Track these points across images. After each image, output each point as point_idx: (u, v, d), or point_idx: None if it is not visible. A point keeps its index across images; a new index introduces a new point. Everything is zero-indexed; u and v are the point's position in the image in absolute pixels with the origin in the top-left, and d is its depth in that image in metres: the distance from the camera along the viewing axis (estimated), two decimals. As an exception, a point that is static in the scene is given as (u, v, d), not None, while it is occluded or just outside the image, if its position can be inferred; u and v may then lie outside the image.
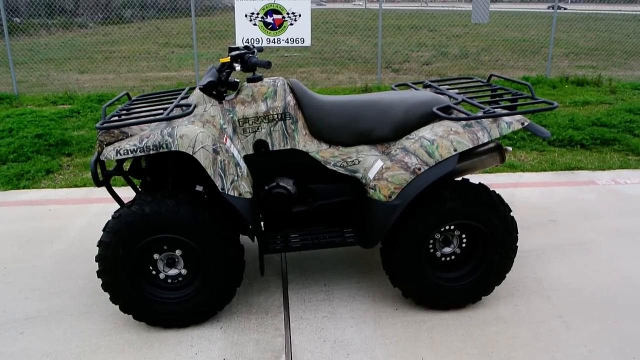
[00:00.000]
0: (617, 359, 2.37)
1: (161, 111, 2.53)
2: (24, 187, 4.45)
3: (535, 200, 4.10)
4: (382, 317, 2.66)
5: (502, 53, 13.83)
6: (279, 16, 7.86)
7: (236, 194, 2.42)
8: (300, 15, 7.89)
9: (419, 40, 16.62)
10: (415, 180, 2.44)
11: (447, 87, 3.16)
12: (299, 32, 7.95)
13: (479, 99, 2.83)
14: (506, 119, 2.55)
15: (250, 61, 2.50)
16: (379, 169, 2.55)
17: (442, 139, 2.47)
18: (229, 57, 2.53)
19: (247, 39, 7.89)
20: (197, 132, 2.35)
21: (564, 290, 2.91)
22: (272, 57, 13.85)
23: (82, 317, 2.70)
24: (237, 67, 2.51)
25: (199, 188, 2.91)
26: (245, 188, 2.45)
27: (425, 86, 3.25)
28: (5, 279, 3.06)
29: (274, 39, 7.95)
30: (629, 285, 2.95)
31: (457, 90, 3.09)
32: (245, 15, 7.81)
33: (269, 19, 7.85)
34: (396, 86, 3.39)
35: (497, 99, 2.89)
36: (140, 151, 2.32)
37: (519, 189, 4.33)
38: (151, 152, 2.31)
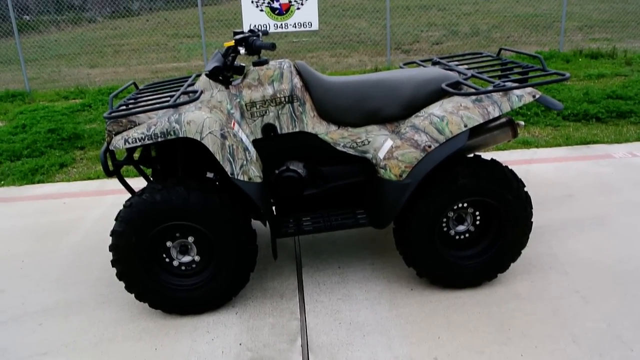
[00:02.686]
0: (637, 332, 2.33)
1: (168, 99, 2.52)
2: (38, 182, 4.49)
3: (550, 176, 4.03)
4: (397, 298, 2.65)
5: (513, 29, 13.59)
6: (286, 1, 7.79)
7: (246, 179, 2.41)
8: (306, -1, 7.81)
9: (428, 20, 16.39)
10: (426, 158, 2.41)
11: (456, 63, 3.10)
12: (307, 16, 7.88)
13: (488, 74, 2.77)
14: (517, 92, 2.50)
15: (254, 44, 2.47)
16: (389, 148, 2.52)
17: (451, 115, 2.43)
18: (233, 41, 2.50)
19: (254, 25, 7.82)
20: (204, 118, 2.33)
21: (581, 265, 2.86)
22: (280, 43, 13.77)
23: (99, 307, 2.73)
24: (242, 50, 2.49)
25: (210, 175, 2.91)
26: (254, 172, 2.44)
27: (434, 63, 3.20)
28: (23, 272, 3.09)
29: (281, 24, 7.89)
30: (649, 258, 2.89)
31: (466, 66, 3.03)
32: (252, 1, 7.76)
33: (276, 4, 7.79)
34: (404, 64, 3.34)
35: (507, 72, 2.83)
36: (148, 139, 2.31)
37: (534, 165, 4.26)
38: (159, 139, 2.31)
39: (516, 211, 2.56)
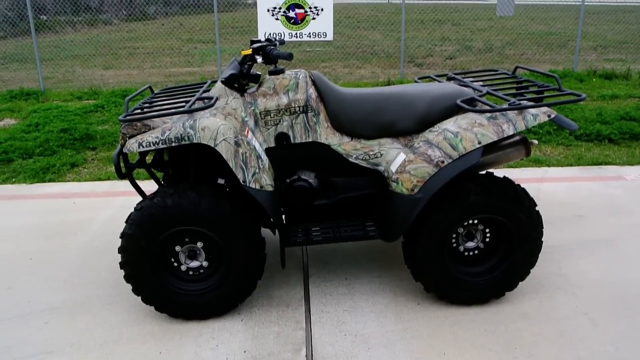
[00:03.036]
0: (646, 357, 2.31)
1: (183, 104, 2.53)
2: (49, 181, 4.52)
3: (561, 195, 4.01)
4: (404, 312, 2.64)
5: (527, 47, 13.60)
6: (301, 10, 7.84)
7: (257, 187, 2.42)
8: (322, 10, 7.86)
9: (442, 35, 16.44)
10: (438, 174, 2.41)
11: (471, 79, 3.11)
12: (322, 26, 7.92)
13: (503, 92, 2.77)
14: (532, 111, 2.50)
15: (272, 53, 2.49)
16: (401, 162, 2.52)
17: (466, 132, 2.43)
18: (251, 50, 2.52)
19: (270, 34, 7.88)
20: (218, 125, 2.35)
21: (590, 286, 2.84)
22: (294, 52, 13.82)
23: (105, 308, 2.73)
24: (259, 59, 2.51)
25: (221, 181, 2.92)
26: (266, 180, 2.45)
27: (449, 79, 3.20)
28: (30, 270, 3.11)
29: (296, 34, 7.94)
30: (659, 282, 2.86)
31: (481, 83, 3.03)
32: (268, 10, 7.81)
33: (291, 13, 7.84)
34: (419, 79, 3.34)
35: (523, 91, 2.83)
36: (162, 143, 2.33)
37: (545, 184, 4.24)
38: (173, 144, 2.32)
39: (527, 230, 2.55)
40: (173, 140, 2.32)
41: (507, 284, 2.65)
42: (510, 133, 2.45)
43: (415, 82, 3.31)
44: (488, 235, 2.65)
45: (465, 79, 3.08)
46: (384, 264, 3.07)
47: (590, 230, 3.46)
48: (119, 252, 2.47)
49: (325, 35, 8.02)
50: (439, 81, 3.16)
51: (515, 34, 16.33)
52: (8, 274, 3.07)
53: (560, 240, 3.32)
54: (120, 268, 2.49)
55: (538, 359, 2.30)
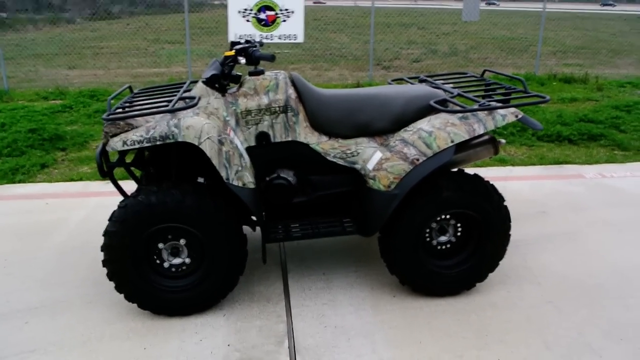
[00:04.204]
0: (605, 341, 2.47)
1: (166, 103, 2.58)
2: (19, 182, 4.46)
3: (525, 193, 4.20)
4: (381, 304, 2.74)
5: (491, 51, 14.00)
6: (272, 12, 7.90)
7: (240, 184, 2.48)
8: (293, 12, 7.93)
9: (408, 38, 16.75)
10: (414, 171, 2.52)
11: (442, 81, 3.25)
12: (292, 28, 8.00)
13: (473, 94, 2.92)
14: (500, 111, 2.64)
15: (254, 54, 2.56)
16: (378, 160, 2.63)
17: (439, 131, 2.55)
18: (234, 51, 2.59)
19: (240, 35, 7.92)
20: (202, 124, 2.41)
21: (553, 277, 3.01)
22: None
23: (86, 306, 2.75)
24: (242, 60, 2.57)
25: (200, 180, 2.97)
26: (248, 178, 2.52)
27: (421, 81, 3.34)
28: (6, 270, 3.09)
29: (267, 36, 7.99)
30: (616, 273, 3.06)
31: (451, 85, 3.17)
32: (239, 12, 7.84)
33: (262, 15, 7.89)
34: (392, 81, 3.47)
35: (491, 93, 2.98)
36: (147, 142, 2.37)
37: (510, 182, 4.43)
38: (157, 142, 2.37)
39: (496, 224, 2.70)
40: (158, 138, 2.37)
41: (478, 275, 2.79)
42: (481, 132, 2.59)
43: (389, 84, 3.44)
44: (459, 229, 2.79)
45: (436, 81, 3.22)
46: (359, 259, 3.18)
47: (552, 226, 3.65)
48: (101, 250, 2.49)
49: (296, 37, 8.09)
50: (412, 83, 3.29)
51: (478, 39, 16.79)
52: (-17, 274, 3.04)
53: (525, 235, 3.49)
54: (103, 266, 2.52)
55: (507, 344, 2.45)
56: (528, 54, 13.34)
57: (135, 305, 2.68)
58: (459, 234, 2.80)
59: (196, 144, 2.39)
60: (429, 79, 3.32)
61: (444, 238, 2.80)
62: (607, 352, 2.40)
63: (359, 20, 19.23)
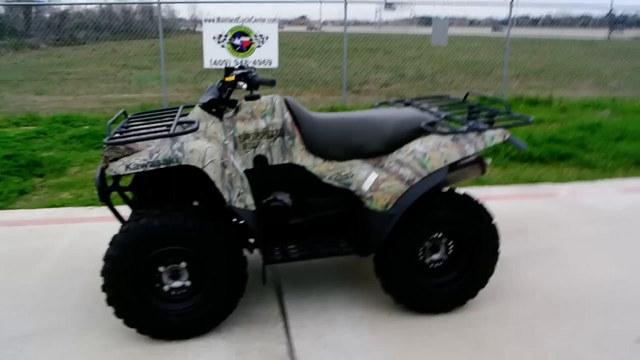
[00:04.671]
0: (596, 351, 2.59)
1: (165, 128, 2.61)
2: (-1, 208, 4.36)
3: (505, 212, 4.34)
4: (377, 323, 2.80)
5: (456, 74, 14.45)
6: (247, 38, 8.02)
7: (242, 206, 2.53)
8: (267, 38, 8.07)
9: (375, 63, 17.13)
10: (410, 190, 2.62)
11: (426, 105, 3.38)
12: (267, 54, 8.12)
13: (458, 116, 3.05)
14: (489, 132, 2.78)
15: (254, 80, 2.63)
16: (373, 181, 2.71)
17: (433, 152, 2.66)
18: (234, 76, 2.65)
19: (216, 61, 7.99)
20: (206, 147, 2.45)
21: (539, 293, 3.13)
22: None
23: (80, 333, 2.71)
24: (244, 85, 2.63)
25: (195, 204, 2.99)
26: (250, 200, 2.56)
27: (407, 104, 3.46)
28: (-7, 299, 3.01)
29: (242, 61, 8.08)
30: (597, 286, 3.20)
31: (436, 108, 3.30)
32: (214, 37, 7.92)
33: (237, 41, 7.99)
34: (379, 104, 3.58)
35: (475, 115, 3.12)
36: (150, 165, 2.39)
37: (489, 202, 4.56)
38: (161, 166, 2.39)
39: (487, 241, 2.81)
40: (161, 162, 2.40)
41: (470, 292, 2.89)
42: (472, 153, 2.71)
43: (375, 107, 3.55)
44: (450, 247, 2.89)
45: (421, 105, 3.35)
46: (353, 279, 3.23)
47: (533, 243, 3.80)
48: (101, 275, 2.48)
49: (270, 62, 8.21)
50: (398, 107, 3.42)
51: (443, 63, 17.31)
52: (-31, 304, 2.96)
53: (509, 253, 3.60)
54: (103, 291, 2.50)
55: (503, 358, 2.53)
56: (492, 77, 13.81)
57: (132, 331, 2.65)
58: (450, 252, 2.89)
59: (200, 167, 2.42)
60: (414, 102, 3.45)
61: (435, 256, 2.89)
62: (597, 362, 2.51)
63: (325, 46, 19.55)
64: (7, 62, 16.08)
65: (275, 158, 2.76)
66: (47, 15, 18.70)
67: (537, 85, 12.40)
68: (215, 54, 7.99)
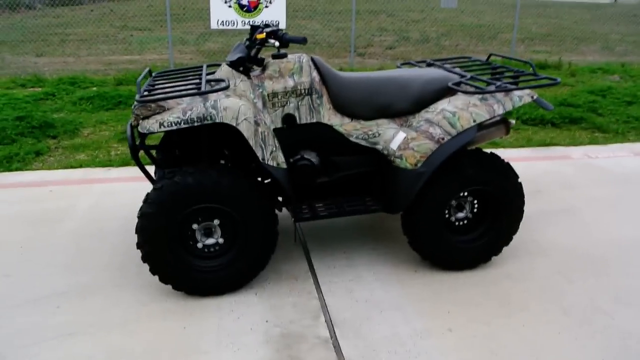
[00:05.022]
0: (615, 305, 2.67)
1: (194, 86, 2.60)
2: (16, 169, 4.37)
3: (520, 173, 4.37)
4: (405, 279, 2.86)
5: (461, 38, 14.27)
6: (254, -2, 7.88)
7: (275, 164, 2.55)
8: (275, -2, 7.93)
9: (379, 25, 16.89)
10: (439, 149, 2.64)
11: (449, 66, 3.36)
12: (275, 14, 8.00)
13: (482, 77, 3.05)
14: (517, 92, 2.79)
15: (284, 37, 2.61)
16: (402, 140, 2.73)
17: (462, 111, 2.67)
18: (264, 34, 2.63)
19: (223, 21, 7.87)
20: (239, 105, 2.45)
21: (559, 250, 3.20)
22: (234, 41, 13.75)
23: (115, 289, 2.76)
24: (276, 43, 2.61)
25: (222, 162, 3.01)
26: (281, 158, 2.58)
27: (429, 65, 3.45)
28: (24, 257, 3.06)
29: (250, 21, 7.96)
30: (614, 244, 3.27)
31: (458, 69, 3.29)
32: (220, -3, 7.78)
33: (244, 1, 7.86)
34: (402, 64, 3.57)
35: (499, 76, 3.12)
36: (184, 123, 2.40)
37: (503, 163, 4.61)
38: (195, 124, 2.40)
39: (512, 199, 2.85)
40: (195, 120, 2.40)
41: (494, 249, 2.95)
42: (500, 112, 2.72)
43: (398, 67, 3.54)
44: (475, 206, 2.93)
45: (444, 65, 3.34)
46: (376, 238, 3.29)
47: (550, 203, 3.85)
48: (136, 232, 2.52)
49: (278, 23, 8.10)
50: (420, 67, 3.40)
51: (448, 26, 17.05)
52: (0, 262, 3.01)
53: (528, 212, 3.66)
54: (138, 248, 2.54)
55: (529, 312, 2.61)
56: (497, 40, 13.66)
57: (166, 287, 2.72)
58: (475, 210, 2.94)
59: (234, 124, 2.43)
60: (436, 62, 3.44)
61: (461, 214, 2.93)
62: (619, 315, 2.59)
63: (327, 7, 19.20)
64: (5, 23, 15.75)
65: (304, 117, 2.77)
66: (43, -26, 18.26)
67: (544, 50, 12.27)
68: (222, 15, 7.87)
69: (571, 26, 16.33)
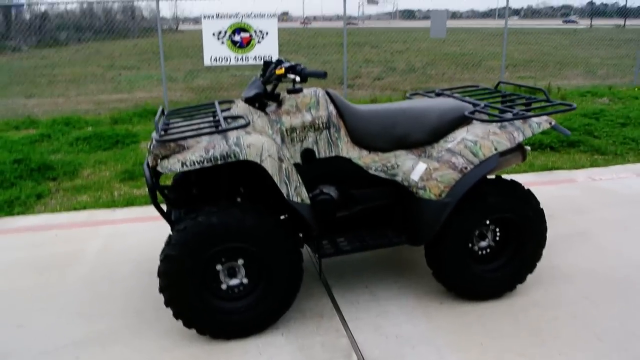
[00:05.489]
0: (648, 329, 2.64)
1: (212, 124, 2.58)
2: (18, 214, 4.26)
3: (528, 198, 4.40)
4: (431, 312, 2.81)
5: (446, 67, 14.53)
6: (247, 34, 7.96)
7: (299, 200, 2.51)
8: (267, 33, 8.02)
9: (364, 57, 17.16)
10: (463, 179, 2.63)
11: (458, 94, 3.38)
12: (267, 49, 8.08)
13: (494, 105, 3.07)
14: (535, 119, 2.80)
15: (304, 72, 2.60)
16: (424, 171, 2.71)
17: (483, 140, 2.67)
18: (284, 69, 2.62)
19: (216, 58, 7.92)
20: (262, 141, 2.42)
21: (581, 274, 3.17)
22: (223, 77, 13.85)
23: (136, 336, 2.66)
24: (297, 78, 2.60)
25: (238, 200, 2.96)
26: (305, 194, 2.54)
27: (437, 94, 3.47)
28: (36, 306, 2.95)
29: (243, 57, 8.02)
30: (634, 266, 3.25)
31: (468, 98, 3.31)
32: (213, 34, 7.85)
33: (237, 37, 7.93)
34: (411, 94, 3.58)
35: (511, 104, 3.14)
36: (207, 162, 2.36)
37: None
38: (219, 162, 2.36)
39: (535, 226, 2.83)
40: (219, 158, 2.36)
41: (519, 277, 2.91)
42: (520, 140, 2.73)
43: (407, 97, 3.55)
44: (498, 234, 2.90)
45: (454, 94, 3.36)
46: (395, 270, 3.24)
47: (563, 227, 3.84)
48: (158, 276, 2.44)
49: (271, 58, 8.14)
50: (429, 97, 3.42)
51: (432, 55, 17.41)
52: (12, 311, 2.90)
53: (542, 237, 3.66)
54: (161, 292, 2.46)
55: (562, 340, 2.56)
56: (482, 68, 13.94)
57: (188, 331, 2.63)
58: (497, 238, 2.91)
59: (258, 161, 2.40)
60: (445, 92, 3.46)
61: (484, 243, 2.90)
62: (653, 340, 2.55)
63: (310, 41, 19.54)
64: (-10, 66, 15.71)
65: (322, 151, 2.75)
66: (28, 16, 18.29)
67: (528, 76, 12.54)
68: (216, 51, 7.92)
69: (552, 52, 16.75)
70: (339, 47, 19.67)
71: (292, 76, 2.62)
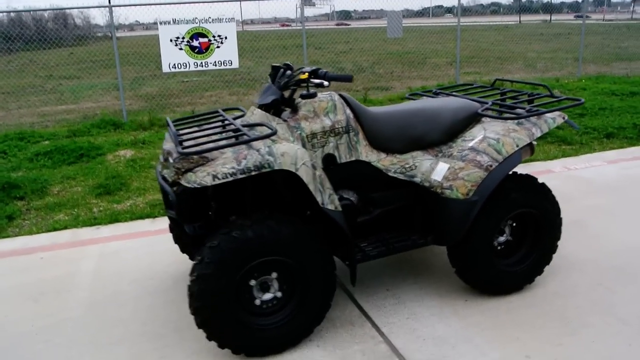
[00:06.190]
0: (665, 310, 2.76)
1: (231, 134, 2.46)
2: (-10, 239, 3.93)
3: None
4: (459, 310, 2.81)
5: (393, 65, 14.78)
6: (205, 39, 7.75)
7: (333, 207, 2.44)
8: (226, 38, 7.85)
9: (310, 59, 17.12)
10: (489, 176, 2.64)
11: (456, 93, 3.42)
12: (227, 54, 7.90)
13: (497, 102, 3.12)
14: (549, 115, 2.87)
15: (327, 76, 2.54)
16: (445, 170, 2.71)
17: (505, 137, 2.71)
18: (307, 74, 2.54)
19: (174, 64, 7.66)
20: (296, 150, 2.33)
21: (588, 263, 3.28)
22: (171, 84, 13.44)
23: (161, 361, 2.51)
24: (325, 82, 2.53)
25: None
26: (337, 201, 2.48)
27: (435, 94, 3.49)
28: (40, 337, 2.72)
29: (202, 63, 7.81)
30: (634, 251, 3.40)
31: (468, 96, 3.35)
32: (170, 40, 7.59)
33: (195, 43, 7.70)
34: (410, 95, 3.59)
35: (514, 100, 3.20)
36: (240, 173, 2.24)
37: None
38: (252, 173, 2.25)
39: (552, 219, 2.90)
40: (252, 168, 2.25)
41: (537, 269, 2.97)
42: (538, 135, 2.78)
43: (407, 99, 3.56)
44: (515, 228, 2.95)
45: (452, 93, 3.39)
46: (412, 271, 3.23)
47: (556, 217, 3.96)
48: (191, 297, 2.30)
49: (231, 63, 8.00)
50: (429, 96, 3.44)
51: (376, 55, 17.64)
52: (15, 346, 2.65)
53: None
54: (193, 314, 2.32)
55: (592, 327, 2.63)
56: (427, 65, 14.28)
57: (218, 351, 2.51)
58: (514, 233, 2.96)
59: (293, 170, 2.31)
60: (443, 91, 3.50)
61: (502, 238, 2.94)
62: (672, 320, 2.67)
63: (254, 44, 19.33)
64: None
65: (343, 155, 2.69)
66: (-51, 27, 17.06)
67: (473, 71, 12.95)
68: (174, 58, 7.66)
69: (489, 47, 17.39)
70: (283, 50, 19.59)
71: (316, 81, 2.55)
